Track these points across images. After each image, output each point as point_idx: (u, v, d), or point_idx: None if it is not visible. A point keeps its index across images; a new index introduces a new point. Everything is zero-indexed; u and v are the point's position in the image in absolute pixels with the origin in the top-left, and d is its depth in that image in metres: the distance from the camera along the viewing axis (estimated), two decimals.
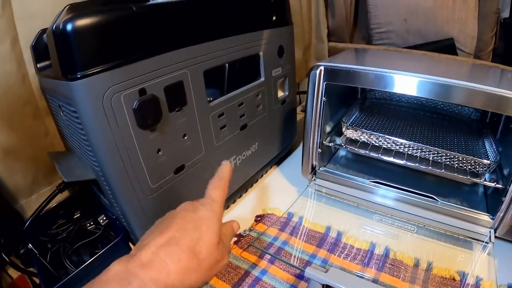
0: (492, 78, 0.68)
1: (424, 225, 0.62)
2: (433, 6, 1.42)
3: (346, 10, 1.46)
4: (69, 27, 0.38)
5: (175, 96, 0.49)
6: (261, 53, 0.66)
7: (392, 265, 0.55)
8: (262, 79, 0.68)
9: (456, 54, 1.43)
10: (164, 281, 0.36)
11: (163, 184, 0.52)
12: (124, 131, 0.45)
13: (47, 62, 0.55)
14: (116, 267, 0.36)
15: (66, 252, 0.58)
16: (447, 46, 1.44)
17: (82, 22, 0.39)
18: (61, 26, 0.38)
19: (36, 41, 0.55)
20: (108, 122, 0.43)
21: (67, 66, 0.40)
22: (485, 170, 0.61)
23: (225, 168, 0.49)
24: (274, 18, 0.68)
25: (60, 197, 0.63)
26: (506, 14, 2.08)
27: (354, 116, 0.79)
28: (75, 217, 0.64)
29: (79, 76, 0.39)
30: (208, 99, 0.57)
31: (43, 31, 0.55)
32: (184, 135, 0.53)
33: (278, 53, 0.71)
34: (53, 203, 0.62)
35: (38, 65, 0.56)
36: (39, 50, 0.56)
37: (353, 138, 0.71)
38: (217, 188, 0.46)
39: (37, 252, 0.56)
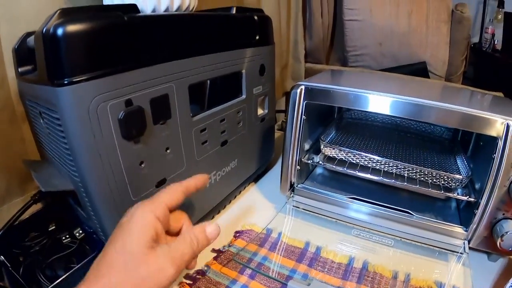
0: (463, 99, 0.74)
1: (401, 239, 0.66)
2: (407, 31, 1.51)
3: (324, 33, 1.53)
4: (59, 31, 0.39)
5: (160, 108, 0.51)
6: (243, 71, 0.69)
7: (371, 277, 0.58)
8: (244, 96, 0.71)
9: (428, 77, 1.52)
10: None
11: (144, 197, 0.53)
12: (108, 141, 0.46)
13: (29, 67, 0.56)
14: None
15: (40, 266, 0.57)
16: (419, 69, 1.52)
17: (74, 27, 0.40)
18: (51, 30, 0.39)
19: (19, 44, 0.56)
20: (93, 131, 0.44)
21: (54, 71, 0.41)
22: (458, 185, 0.66)
23: (197, 177, 0.50)
24: (257, 37, 0.72)
25: (34, 208, 0.63)
26: (476, 40, 2.23)
27: (331, 135, 0.83)
28: (49, 229, 0.64)
29: (66, 82, 0.40)
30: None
31: (28, 34, 0.56)
32: (167, 149, 0.55)
33: (259, 71, 0.74)
34: (26, 214, 0.62)
35: (20, 69, 0.56)
36: (21, 53, 0.56)
37: (331, 155, 0.74)
38: (166, 190, 0.46)
39: (9, 265, 0.55)
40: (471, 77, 2.07)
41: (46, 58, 0.41)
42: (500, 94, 1.25)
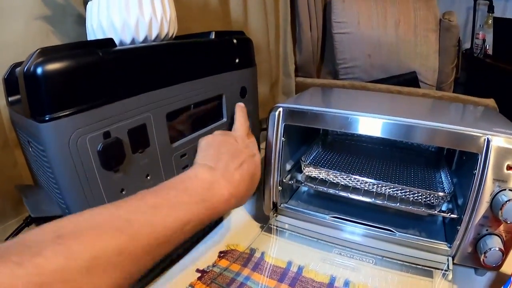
0: (443, 116, 0.76)
1: (383, 257, 0.67)
2: (396, 41, 1.53)
3: (313, 46, 1.55)
4: (39, 70, 0.41)
5: (138, 138, 0.54)
6: (223, 95, 0.71)
7: None
8: (225, 119, 0.73)
9: (419, 86, 1.54)
10: (230, 192, 0.52)
11: None
12: (89, 171, 0.48)
13: (18, 97, 0.57)
14: (205, 176, 0.52)
15: None
16: (410, 79, 1.54)
17: (52, 66, 0.42)
18: (31, 69, 0.42)
19: (8, 74, 0.58)
20: (74, 163, 0.46)
21: (36, 108, 0.44)
22: (440, 201, 0.67)
23: (242, 109, 0.71)
24: (237, 60, 0.74)
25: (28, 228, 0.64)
26: (467, 46, 2.25)
27: (315, 153, 0.85)
28: None
29: (47, 118, 0.43)
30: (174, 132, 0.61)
31: (16, 64, 0.57)
32: (147, 175, 0.57)
33: (240, 93, 0.76)
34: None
35: (9, 99, 0.58)
36: (11, 83, 0.58)
37: (312, 176, 0.76)
38: (245, 125, 0.68)
39: None
40: (464, 83, 2.09)
41: (28, 96, 0.44)
42: (492, 101, 1.26)
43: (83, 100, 0.46)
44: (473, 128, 0.56)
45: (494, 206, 0.54)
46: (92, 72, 0.47)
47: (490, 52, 2.09)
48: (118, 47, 0.53)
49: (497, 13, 2.07)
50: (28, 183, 0.70)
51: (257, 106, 0.84)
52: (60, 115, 0.44)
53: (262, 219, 0.79)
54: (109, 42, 0.52)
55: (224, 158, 0.55)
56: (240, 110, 0.70)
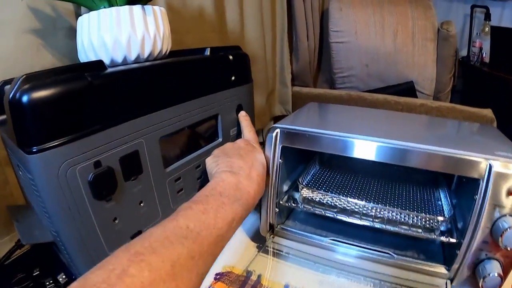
0: (443, 137, 0.74)
1: (381, 280, 0.65)
2: (393, 51, 1.52)
3: (310, 55, 1.53)
4: (25, 99, 0.39)
5: (130, 166, 0.52)
6: (219, 114, 0.69)
7: None
8: (220, 139, 0.71)
9: (416, 96, 1.52)
10: (254, 189, 0.56)
11: None
12: (79, 202, 0.46)
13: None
14: (230, 179, 0.54)
15: None
16: (407, 89, 1.53)
17: (39, 94, 0.40)
18: (17, 97, 0.39)
19: None
20: (64, 194, 0.44)
21: (23, 139, 0.42)
22: (440, 225, 0.65)
23: (246, 118, 0.75)
24: (233, 78, 0.72)
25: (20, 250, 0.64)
26: (464, 53, 2.23)
27: (313, 172, 0.83)
28: (34, 274, 0.63)
29: (34, 150, 0.41)
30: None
31: (5, 82, 0.55)
32: (141, 202, 0.55)
33: (236, 111, 0.74)
34: (13, 256, 0.63)
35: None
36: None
37: (309, 197, 0.74)
38: (252, 132, 0.71)
39: None
40: (461, 90, 2.07)
41: (14, 126, 0.42)
42: (489, 111, 1.24)
43: (72, 129, 0.44)
44: (473, 152, 0.53)
45: (495, 232, 0.53)
46: (81, 99, 0.45)
47: (487, 60, 2.07)
48: (108, 70, 0.50)
49: (494, 22, 2.06)
50: (19, 202, 0.67)
51: (253, 121, 0.82)
52: (48, 146, 0.42)
53: (259, 239, 0.77)
54: (99, 64, 0.50)
55: (236, 162, 0.59)
56: (244, 119, 0.75)
